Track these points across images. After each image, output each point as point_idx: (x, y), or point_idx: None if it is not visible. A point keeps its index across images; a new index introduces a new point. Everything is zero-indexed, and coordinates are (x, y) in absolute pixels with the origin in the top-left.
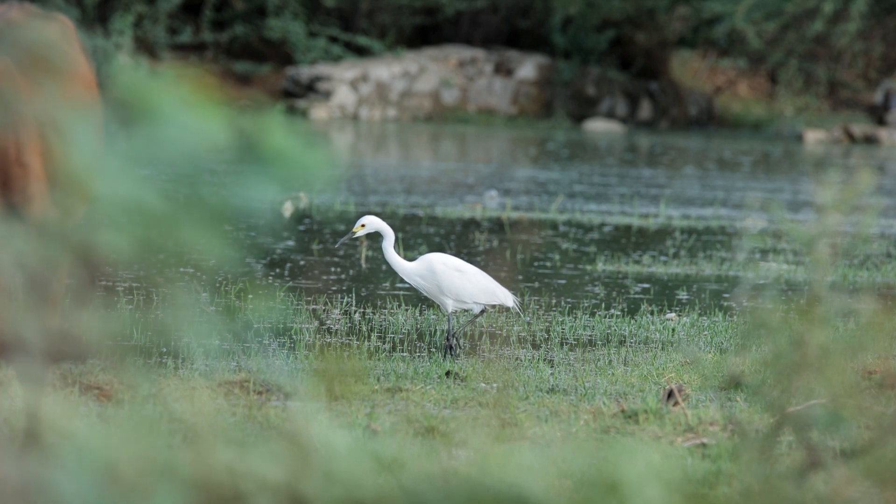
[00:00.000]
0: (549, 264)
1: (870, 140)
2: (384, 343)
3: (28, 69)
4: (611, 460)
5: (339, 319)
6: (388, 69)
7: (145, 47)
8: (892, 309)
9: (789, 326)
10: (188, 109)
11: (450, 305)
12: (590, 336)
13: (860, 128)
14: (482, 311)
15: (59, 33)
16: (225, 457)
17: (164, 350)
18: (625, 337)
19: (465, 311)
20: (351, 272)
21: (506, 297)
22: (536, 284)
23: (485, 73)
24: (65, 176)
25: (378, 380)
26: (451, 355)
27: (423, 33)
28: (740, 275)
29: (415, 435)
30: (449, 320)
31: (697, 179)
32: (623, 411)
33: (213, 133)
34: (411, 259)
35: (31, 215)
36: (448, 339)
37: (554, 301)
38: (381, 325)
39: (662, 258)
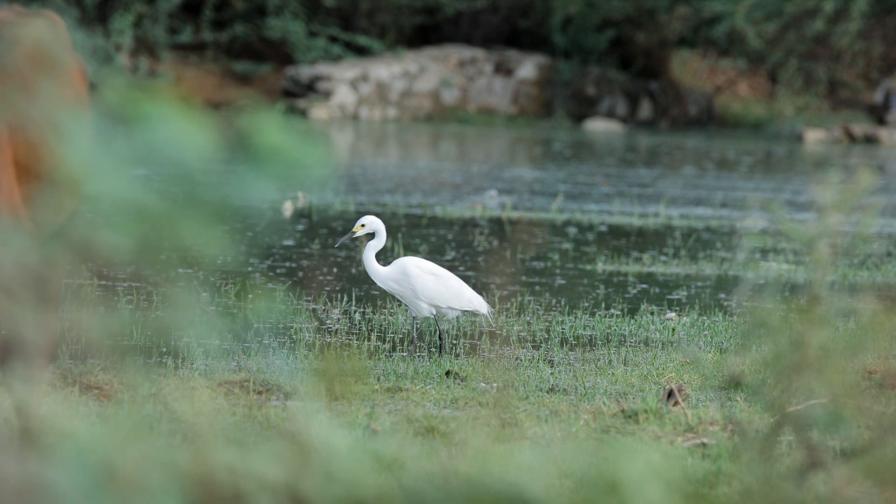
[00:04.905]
0: (549, 264)
1: (870, 140)
2: (384, 343)
3: (17, 69)
4: (611, 460)
5: (339, 319)
6: (388, 69)
7: (145, 47)
8: (892, 309)
9: (789, 326)
10: (172, 117)
11: (424, 310)
12: (590, 336)
13: (860, 128)
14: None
15: (48, 31)
16: (225, 457)
17: (164, 350)
18: (625, 337)
19: (442, 316)
20: (351, 272)
21: (480, 304)
22: (536, 284)
23: (485, 73)
24: (56, 174)
25: (378, 380)
26: (413, 349)
27: (423, 33)
28: (740, 275)
29: (415, 435)
30: (438, 324)
31: (696, 179)
32: (623, 411)
33: (199, 139)
34: None
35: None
36: (440, 339)
37: (554, 301)
38: (381, 325)
39: (662, 258)
